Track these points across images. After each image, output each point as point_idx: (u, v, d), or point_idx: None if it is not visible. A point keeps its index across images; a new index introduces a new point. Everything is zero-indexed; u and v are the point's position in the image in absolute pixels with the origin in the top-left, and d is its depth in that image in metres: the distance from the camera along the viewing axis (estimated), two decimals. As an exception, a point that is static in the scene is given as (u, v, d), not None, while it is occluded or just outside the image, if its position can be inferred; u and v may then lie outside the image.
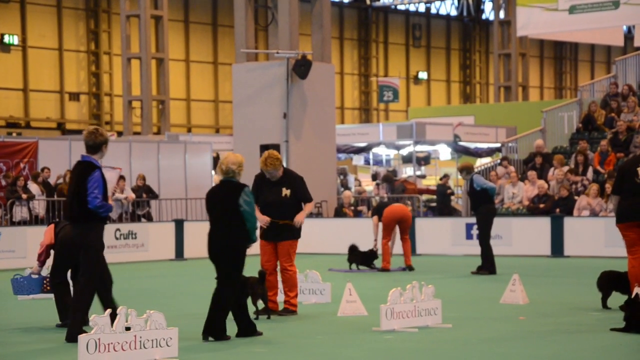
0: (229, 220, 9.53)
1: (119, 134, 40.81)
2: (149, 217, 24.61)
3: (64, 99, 46.11)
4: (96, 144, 9.58)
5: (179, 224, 22.17)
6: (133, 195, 24.09)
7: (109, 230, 21.36)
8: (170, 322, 8.59)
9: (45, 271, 12.26)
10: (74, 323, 9.42)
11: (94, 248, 9.57)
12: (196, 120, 50.04)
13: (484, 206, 16.62)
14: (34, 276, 12.69)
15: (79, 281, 9.63)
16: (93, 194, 9.36)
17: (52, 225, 11.12)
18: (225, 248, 9.51)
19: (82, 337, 7.91)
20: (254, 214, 9.61)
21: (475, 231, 21.48)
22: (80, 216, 9.49)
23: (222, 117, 50.90)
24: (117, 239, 21.30)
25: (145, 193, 24.79)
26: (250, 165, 24.70)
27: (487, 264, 16.55)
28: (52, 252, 11.09)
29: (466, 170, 16.92)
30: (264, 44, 45.81)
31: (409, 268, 17.59)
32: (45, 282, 11.94)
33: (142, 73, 39.39)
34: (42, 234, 11.34)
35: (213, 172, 26.87)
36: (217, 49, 51.23)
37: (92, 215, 9.48)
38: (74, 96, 46.70)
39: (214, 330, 9.42)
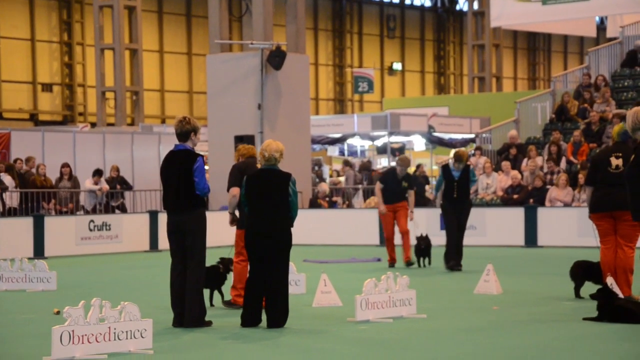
0: (279, 208, 9.64)
1: (93, 125, 40.60)
2: (123, 209, 24.51)
3: (37, 90, 45.81)
4: (183, 132, 9.72)
5: (154, 216, 22.09)
6: (107, 187, 23.99)
7: (82, 221, 21.28)
8: (145, 313, 8.57)
9: None
10: (195, 308, 9.57)
11: (203, 233, 9.73)
12: (170, 111, 49.87)
13: (469, 198, 16.14)
14: None
15: (191, 267, 9.64)
16: (203, 180, 9.61)
17: None
18: (279, 237, 9.61)
19: (55, 329, 7.88)
20: (297, 203, 9.80)
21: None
22: (190, 204, 9.64)
23: (197, 108, 50.75)
24: (90, 230, 21.20)
25: (119, 184, 24.68)
26: (224, 156, 24.72)
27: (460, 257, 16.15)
28: None
29: (467, 159, 15.99)
30: (238, 35, 45.68)
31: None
32: None
33: (115, 64, 39.18)
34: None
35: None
36: (191, 40, 51.04)
37: (201, 201, 9.70)
38: (47, 87, 46.41)
39: (280, 318, 9.57)
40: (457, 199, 15.66)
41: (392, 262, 16.47)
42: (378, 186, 16.49)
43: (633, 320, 9.39)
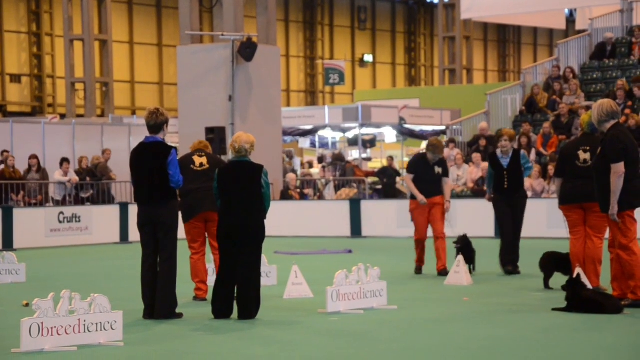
0: (251, 200, 9.61)
1: (62, 116, 40.33)
2: (93, 200, 24.38)
3: (5, 81, 45.42)
4: (157, 124, 9.68)
5: (124, 207, 22.00)
6: (76, 178, 23.85)
7: (52, 213, 21.14)
8: (115, 305, 8.54)
9: None
10: (166, 300, 9.55)
11: (176, 226, 9.72)
12: (141, 103, 49.62)
13: (523, 189, 13.81)
14: None
15: (163, 259, 9.62)
16: (177, 173, 9.60)
17: None
18: (252, 229, 9.58)
19: (24, 321, 7.83)
20: (270, 195, 9.77)
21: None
22: (164, 196, 9.62)
23: (167, 100, 50.54)
24: (60, 222, 21.08)
25: (88, 176, 24.54)
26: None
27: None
28: None
29: (513, 137, 13.81)
30: (209, 26, 45.50)
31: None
32: None
33: (85, 55, 38.94)
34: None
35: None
36: (161, 31, 50.78)
37: (173, 194, 9.71)
38: (15, 78, 46.01)
39: (251, 309, 9.56)
40: (508, 189, 13.50)
41: (420, 266, 14.06)
42: (408, 178, 13.79)
43: (600, 311, 9.47)
